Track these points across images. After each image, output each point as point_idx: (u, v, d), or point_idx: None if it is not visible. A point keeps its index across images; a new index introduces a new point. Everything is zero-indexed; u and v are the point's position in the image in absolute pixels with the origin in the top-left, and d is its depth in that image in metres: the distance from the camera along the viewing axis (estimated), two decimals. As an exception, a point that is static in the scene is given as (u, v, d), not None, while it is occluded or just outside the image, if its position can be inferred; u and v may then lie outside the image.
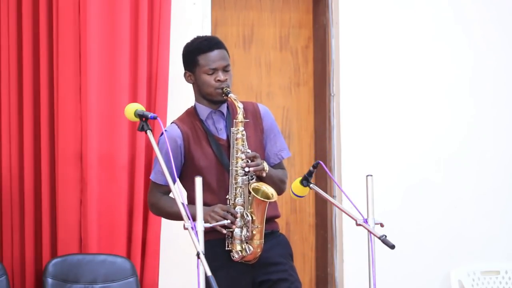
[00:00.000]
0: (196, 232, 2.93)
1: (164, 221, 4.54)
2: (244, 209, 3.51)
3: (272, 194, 3.50)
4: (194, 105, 3.67)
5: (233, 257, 3.52)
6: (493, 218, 5.44)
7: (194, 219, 3.39)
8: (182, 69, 4.73)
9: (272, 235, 3.59)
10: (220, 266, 3.46)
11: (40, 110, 4.40)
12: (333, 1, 5.28)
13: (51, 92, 4.42)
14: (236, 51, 5.18)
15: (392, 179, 5.24)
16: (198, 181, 3.04)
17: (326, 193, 3.69)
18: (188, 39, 4.80)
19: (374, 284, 3.15)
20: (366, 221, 3.19)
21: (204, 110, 3.62)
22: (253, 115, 3.65)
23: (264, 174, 3.51)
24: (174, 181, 3.32)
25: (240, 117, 3.51)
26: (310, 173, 3.31)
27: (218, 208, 3.49)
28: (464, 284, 5.26)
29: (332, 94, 5.28)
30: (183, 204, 2.97)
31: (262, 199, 3.48)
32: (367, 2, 5.28)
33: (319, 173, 4.73)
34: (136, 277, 4.41)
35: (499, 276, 5.38)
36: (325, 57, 5.31)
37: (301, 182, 3.32)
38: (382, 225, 3.20)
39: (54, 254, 4.39)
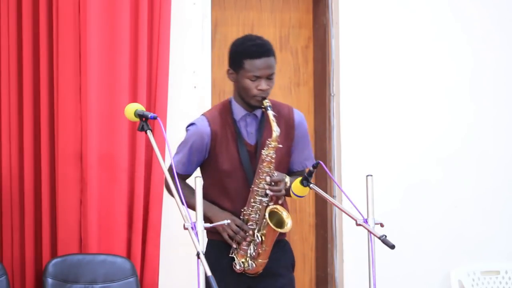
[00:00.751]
0: (196, 232, 2.93)
1: (164, 221, 4.55)
2: (256, 228, 3.50)
3: (287, 223, 3.49)
4: (230, 101, 3.62)
5: (234, 266, 3.52)
6: (493, 218, 5.44)
7: (204, 218, 3.44)
8: (181, 69, 4.77)
9: (278, 243, 3.59)
10: (221, 268, 3.47)
11: (40, 110, 4.40)
12: (333, 1, 5.28)
13: (51, 92, 4.42)
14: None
15: (392, 179, 5.24)
16: (198, 181, 3.04)
17: (326, 193, 3.69)
18: (188, 39, 4.84)
19: (374, 284, 3.15)
20: (366, 221, 3.19)
21: (239, 111, 3.58)
22: (287, 123, 3.61)
23: (280, 202, 3.51)
24: (189, 175, 3.53)
25: (273, 143, 3.46)
26: (310, 173, 3.30)
27: (232, 223, 3.49)
28: (464, 284, 5.26)
29: (332, 94, 5.28)
30: (183, 203, 2.96)
31: (274, 228, 3.47)
32: (367, 2, 5.28)
33: (319, 173, 4.74)
34: (136, 277, 4.41)
35: (499, 276, 5.38)
36: (325, 57, 5.31)
37: (301, 182, 3.32)
38: (382, 225, 3.20)
39: (54, 254, 4.40)
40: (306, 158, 3.67)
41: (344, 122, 5.22)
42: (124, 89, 4.47)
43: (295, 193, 3.36)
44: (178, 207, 2.96)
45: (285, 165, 3.60)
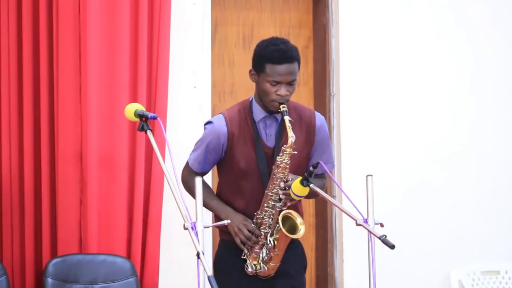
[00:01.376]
0: (196, 232, 2.93)
1: (164, 221, 4.55)
2: (269, 232, 3.50)
3: (299, 230, 3.48)
4: (251, 101, 3.59)
5: (246, 269, 3.53)
6: (493, 218, 5.44)
7: (218, 219, 3.44)
8: (181, 69, 4.77)
9: (291, 244, 3.58)
10: (233, 269, 3.48)
11: (40, 110, 4.40)
12: (333, 1, 5.27)
13: (51, 92, 4.42)
14: (236, 51, 5.18)
15: (392, 179, 5.24)
16: (198, 181, 3.04)
17: (326, 193, 3.68)
18: (188, 39, 4.84)
19: (374, 284, 3.15)
20: (366, 221, 3.19)
21: (259, 112, 3.55)
22: (307, 126, 3.60)
23: (289, 204, 3.50)
24: (205, 173, 3.56)
25: (288, 150, 3.44)
26: (310, 173, 3.30)
27: (245, 227, 3.49)
28: (464, 284, 5.26)
29: (332, 94, 5.27)
30: (183, 203, 2.96)
31: (287, 234, 3.46)
32: (367, 2, 5.27)
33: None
34: (136, 277, 4.41)
35: (499, 276, 5.38)
36: (325, 57, 5.31)
37: (301, 182, 3.31)
38: (382, 225, 3.20)
39: (54, 254, 4.40)
40: (325, 162, 3.59)
41: (344, 122, 5.22)
42: (124, 89, 4.47)
43: (295, 193, 3.35)
44: (178, 206, 2.95)
45: (304, 169, 3.58)
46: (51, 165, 4.41)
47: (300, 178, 3.32)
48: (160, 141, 4.22)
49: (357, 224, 3.19)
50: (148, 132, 3.19)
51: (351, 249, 5.17)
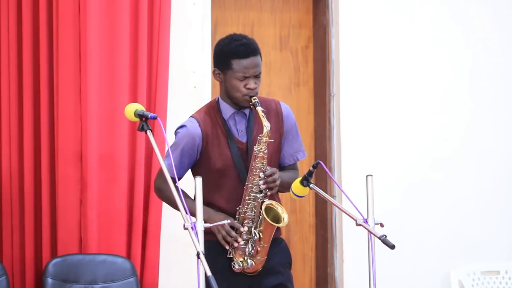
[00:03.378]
0: (196, 232, 2.93)
1: (164, 221, 4.54)
2: (253, 226, 3.51)
3: (283, 218, 3.50)
4: (218, 101, 3.62)
5: (233, 267, 3.52)
6: (493, 218, 5.44)
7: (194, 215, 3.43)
8: (181, 69, 4.77)
9: (274, 242, 3.58)
10: (219, 268, 3.47)
11: (40, 110, 4.40)
12: (333, 1, 5.28)
13: (51, 92, 4.42)
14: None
15: (392, 179, 5.24)
16: (198, 180, 3.04)
17: (326, 193, 3.69)
18: (188, 39, 4.84)
19: (374, 284, 3.15)
20: (366, 221, 3.18)
21: (227, 110, 3.58)
22: (275, 116, 3.62)
23: (270, 193, 3.51)
24: (179, 178, 3.49)
25: (265, 138, 3.46)
26: (310, 173, 3.30)
27: (226, 224, 3.47)
28: (464, 284, 5.26)
29: (332, 94, 5.28)
30: (183, 204, 2.96)
31: (271, 223, 3.47)
32: (367, 2, 5.28)
33: (319, 173, 4.73)
34: (136, 277, 4.41)
35: (499, 276, 5.38)
36: (325, 57, 5.31)
37: (301, 182, 3.31)
38: (382, 225, 3.20)
39: (54, 254, 4.40)
40: (296, 150, 3.67)
41: (344, 122, 5.22)
42: (124, 89, 4.47)
43: (295, 193, 3.35)
44: (178, 207, 2.95)
45: (276, 160, 3.61)
46: (51, 165, 4.41)
47: (300, 178, 3.32)
48: (160, 141, 4.23)
49: (357, 224, 3.19)
50: (148, 132, 3.19)
51: (351, 249, 5.17)
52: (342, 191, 3.37)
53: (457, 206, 5.38)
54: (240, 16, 5.23)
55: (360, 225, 3.18)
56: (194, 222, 2.95)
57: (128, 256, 4.47)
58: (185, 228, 2.92)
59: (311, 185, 3.30)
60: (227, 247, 3.51)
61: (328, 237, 5.27)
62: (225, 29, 5.16)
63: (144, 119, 3.21)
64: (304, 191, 3.33)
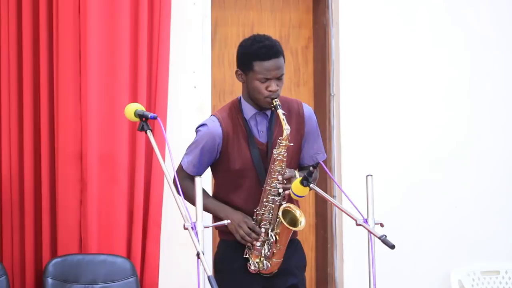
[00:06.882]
0: (196, 232, 2.93)
1: (164, 221, 4.54)
2: (270, 227, 3.51)
3: (300, 222, 3.50)
4: (240, 100, 3.61)
5: (249, 267, 3.53)
6: (493, 218, 5.44)
7: (217, 218, 3.43)
8: (181, 69, 4.77)
9: (291, 243, 3.59)
10: (235, 268, 3.48)
11: (40, 110, 4.40)
12: (333, 1, 5.28)
13: (51, 92, 4.42)
14: (236, 51, 5.16)
15: (392, 179, 5.24)
16: (198, 180, 3.04)
17: (326, 193, 3.68)
18: (188, 39, 4.84)
19: (374, 284, 3.15)
20: (366, 221, 3.19)
21: (249, 110, 3.57)
22: (297, 118, 3.62)
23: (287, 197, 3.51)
24: (200, 175, 3.45)
25: (284, 142, 3.46)
26: (310, 173, 3.30)
27: (245, 224, 3.49)
28: (464, 284, 5.26)
29: (332, 94, 5.28)
30: (183, 203, 2.96)
31: (288, 226, 3.47)
32: (367, 2, 5.28)
33: (319, 173, 4.73)
34: (136, 277, 4.41)
35: (499, 276, 5.38)
36: (325, 57, 5.31)
37: (301, 182, 3.31)
38: (382, 225, 3.20)
39: (54, 254, 4.40)
40: (316, 152, 3.67)
41: (344, 122, 5.22)
42: (124, 89, 4.47)
43: (295, 193, 3.35)
44: (178, 207, 2.95)
45: (296, 160, 3.62)
46: (51, 165, 4.41)
47: (300, 178, 3.32)
48: (160, 141, 4.23)
49: (357, 224, 3.19)
50: (148, 132, 3.19)
51: (351, 249, 5.17)
52: (342, 191, 3.38)
53: (457, 206, 5.38)
54: (240, 16, 5.24)
55: (360, 225, 3.18)
56: (194, 222, 2.95)
57: (128, 256, 4.47)
58: (185, 228, 2.93)
59: (311, 185, 3.30)
60: (248, 245, 3.52)
61: (328, 237, 5.27)
62: (225, 29, 5.16)
63: (144, 119, 3.21)
64: (304, 191, 3.33)
